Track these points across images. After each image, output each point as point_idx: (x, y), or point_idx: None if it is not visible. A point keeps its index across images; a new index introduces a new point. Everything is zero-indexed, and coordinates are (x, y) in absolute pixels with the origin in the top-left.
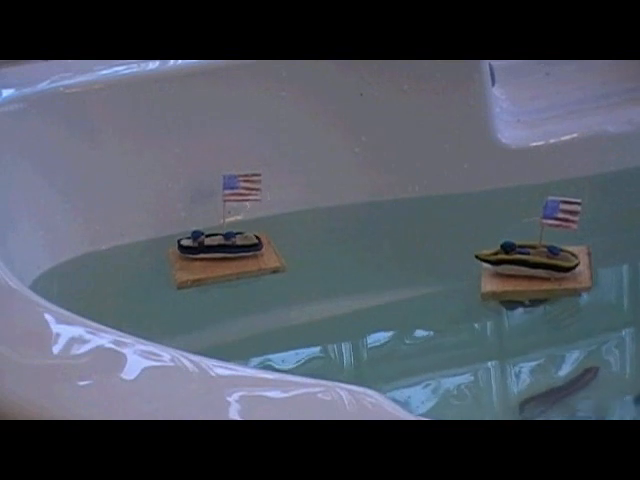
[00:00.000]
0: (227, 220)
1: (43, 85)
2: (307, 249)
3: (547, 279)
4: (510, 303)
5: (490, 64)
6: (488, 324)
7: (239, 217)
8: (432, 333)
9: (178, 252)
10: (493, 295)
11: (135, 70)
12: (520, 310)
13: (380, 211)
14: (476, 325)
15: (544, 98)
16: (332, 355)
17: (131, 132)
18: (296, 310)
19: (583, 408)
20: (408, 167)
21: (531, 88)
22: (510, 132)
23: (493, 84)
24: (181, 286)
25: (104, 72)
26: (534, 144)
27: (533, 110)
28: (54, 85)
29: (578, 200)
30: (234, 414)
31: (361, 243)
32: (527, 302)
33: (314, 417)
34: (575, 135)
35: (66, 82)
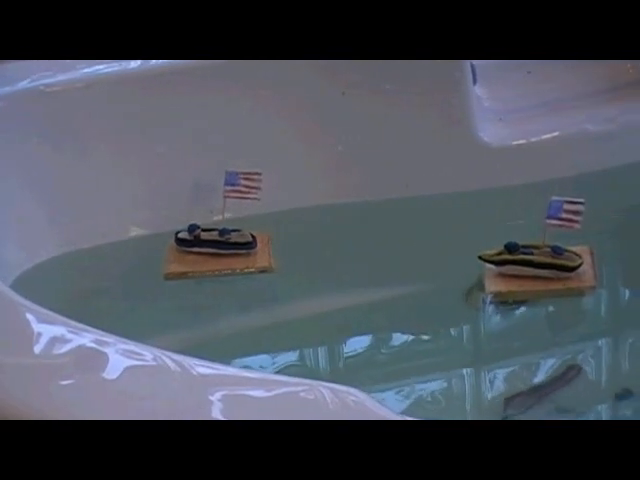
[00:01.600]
0: (226, 217)
1: (24, 84)
2: (293, 249)
3: (551, 279)
4: (495, 303)
5: (472, 63)
6: (470, 323)
7: (228, 215)
8: (418, 333)
9: (175, 245)
10: (498, 295)
11: (117, 68)
12: (502, 310)
13: (363, 212)
14: (461, 324)
15: (526, 97)
16: (310, 356)
17: (115, 130)
18: (281, 309)
19: (566, 405)
20: (391, 167)
21: (513, 87)
22: (492, 131)
23: (475, 83)
24: (168, 277)
25: (86, 70)
26: (516, 143)
27: (515, 109)
28: (35, 84)
29: (581, 200)
30: (217, 413)
31: (345, 243)
32: (510, 302)
33: (297, 416)
34: (556, 134)
35: (47, 81)
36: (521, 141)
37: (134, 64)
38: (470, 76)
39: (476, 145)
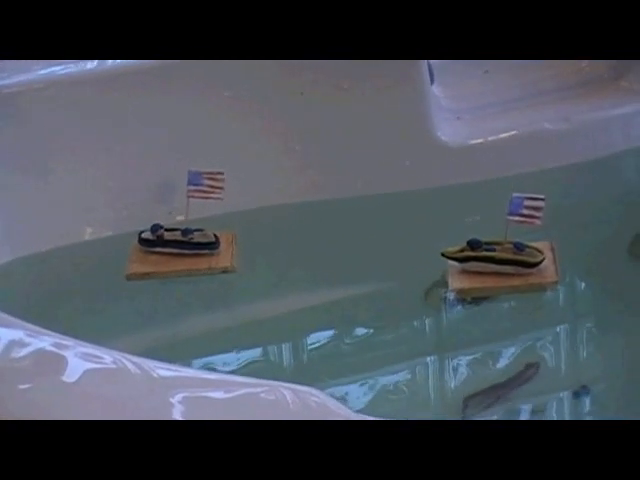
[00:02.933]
0: (191, 217)
1: None
2: (256, 248)
3: (513, 275)
4: (453, 300)
5: (429, 63)
6: (430, 321)
7: (193, 215)
8: (379, 331)
9: (138, 245)
10: (461, 292)
11: (73, 69)
12: (460, 307)
13: (323, 211)
14: (422, 322)
15: (483, 96)
16: (274, 353)
17: (74, 132)
18: (244, 309)
19: (525, 403)
20: (350, 166)
21: (470, 86)
22: (450, 130)
23: (432, 83)
24: (129, 278)
25: (42, 72)
26: (474, 141)
27: (472, 108)
28: None
29: (542, 196)
30: (177, 415)
31: (307, 242)
32: (469, 299)
33: (258, 417)
34: (513, 132)
35: (3, 82)
36: (479, 140)
37: (91, 65)
38: (428, 76)
39: (434, 144)
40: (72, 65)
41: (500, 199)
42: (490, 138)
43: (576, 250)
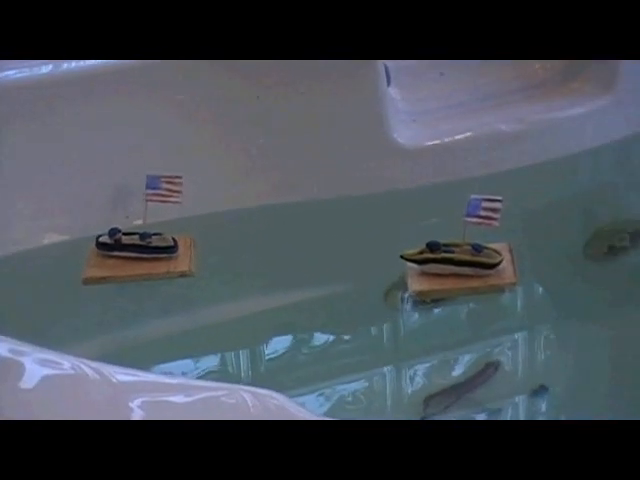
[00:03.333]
0: (149, 221)
1: None
2: (211, 252)
3: (472, 276)
4: (414, 302)
5: (385, 65)
6: (389, 322)
7: (152, 219)
8: (338, 333)
9: (96, 249)
10: (420, 294)
11: (27, 74)
12: (419, 308)
13: (279, 214)
14: (381, 324)
15: (439, 98)
16: (231, 359)
17: (29, 136)
18: (202, 313)
19: (484, 402)
20: (306, 169)
21: (426, 88)
22: (406, 132)
23: (388, 84)
24: (86, 282)
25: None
26: (430, 143)
27: (428, 110)
28: None
29: (499, 198)
30: (137, 420)
31: (264, 246)
32: (428, 300)
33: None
34: (469, 134)
35: None
36: (435, 141)
37: (45, 68)
38: (384, 77)
39: (390, 146)
40: (26, 69)
41: (456, 201)
42: (446, 140)
43: (530, 252)
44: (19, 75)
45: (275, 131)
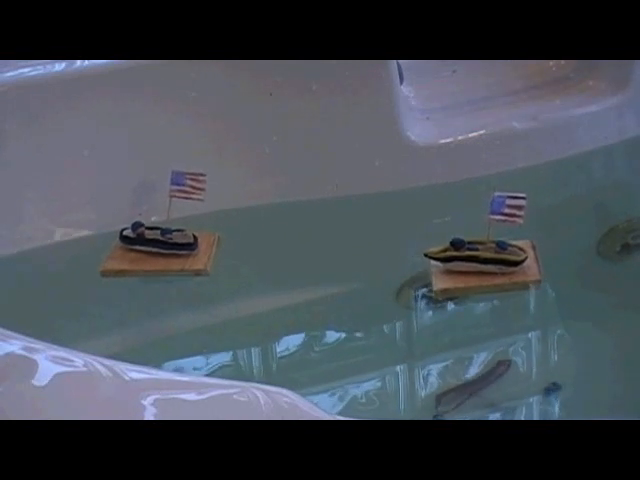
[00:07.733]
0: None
1: None
2: (226, 250)
3: (497, 274)
4: (423, 300)
5: (398, 63)
6: (401, 321)
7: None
8: (351, 331)
9: (120, 242)
10: (445, 292)
11: (42, 71)
12: (431, 307)
13: (294, 212)
14: (393, 322)
15: (452, 96)
16: (243, 357)
17: (37, 134)
18: (216, 311)
19: (496, 400)
20: (320, 167)
21: (439, 86)
22: (419, 130)
23: (401, 83)
24: (104, 274)
25: (11, 74)
26: (443, 141)
27: (441, 107)
28: None
29: (523, 195)
30: (149, 418)
31: (277, 244)
32: (440, 298)
33: (231, 418)
34: (482, 132)
35: None
36: (448, 139)
37: (68, 65)
38: (397, 75)
39: (404, 144)
40: (41, 67)
41: (470, 199)
42: (459, 137)
43: (544, 249)
44: (39, 72)
45: (288, 130)
